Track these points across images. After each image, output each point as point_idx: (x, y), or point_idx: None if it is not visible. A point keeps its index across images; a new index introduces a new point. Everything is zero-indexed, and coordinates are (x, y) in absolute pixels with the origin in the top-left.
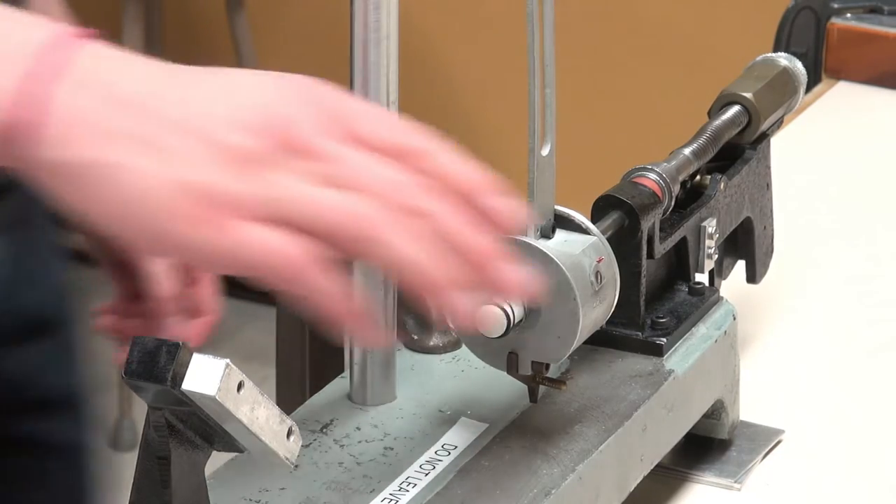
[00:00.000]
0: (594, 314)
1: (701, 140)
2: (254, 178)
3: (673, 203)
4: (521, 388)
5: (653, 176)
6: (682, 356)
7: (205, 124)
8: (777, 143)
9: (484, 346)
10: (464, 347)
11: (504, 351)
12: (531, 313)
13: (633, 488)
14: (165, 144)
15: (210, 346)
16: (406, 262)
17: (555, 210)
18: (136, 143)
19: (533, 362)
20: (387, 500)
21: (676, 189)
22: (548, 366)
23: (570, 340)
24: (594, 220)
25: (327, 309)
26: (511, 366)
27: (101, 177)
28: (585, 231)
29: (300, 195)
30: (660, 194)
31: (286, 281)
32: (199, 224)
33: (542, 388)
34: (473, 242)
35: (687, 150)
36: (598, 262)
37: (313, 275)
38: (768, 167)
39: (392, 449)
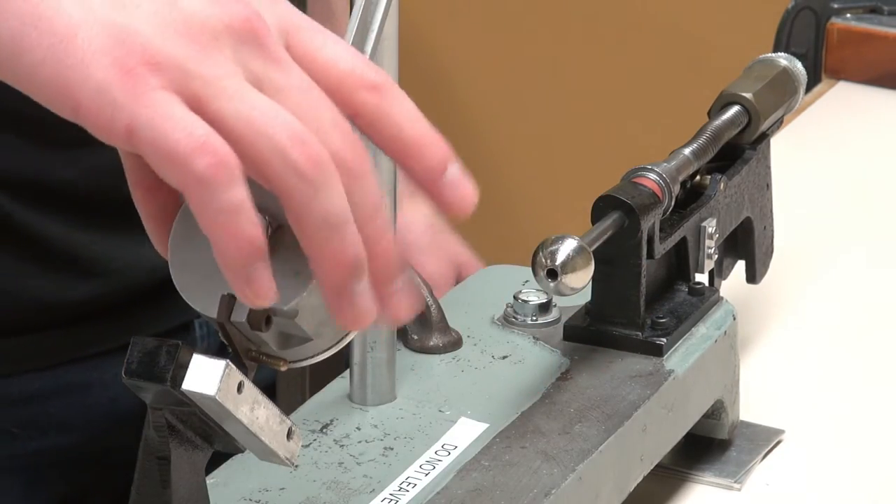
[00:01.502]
0: None
1: (701, 140)
2: (194, 48)
3: (673, 203)
4: (522, 388)
5: (653, 176)
6: (682, 356)
7: None
8: (777, 143)
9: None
10: (464, 347)
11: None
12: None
13: (633, 488)
14: None
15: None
16: (305, 209)
17: None
18: None
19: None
20: (387, 500)
21: (676, 189)
22: (269, 319)
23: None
24: (594, 220)
25: (218, 233)
26: (223, 310)
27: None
28: None
29: (234, 86)
30: (660, 194)
31: (182, 178)
32: (117, 72)
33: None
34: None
35: (687, 150)
36: None
37: (215, 182)
38: (768, 167)
39: (392, 449)
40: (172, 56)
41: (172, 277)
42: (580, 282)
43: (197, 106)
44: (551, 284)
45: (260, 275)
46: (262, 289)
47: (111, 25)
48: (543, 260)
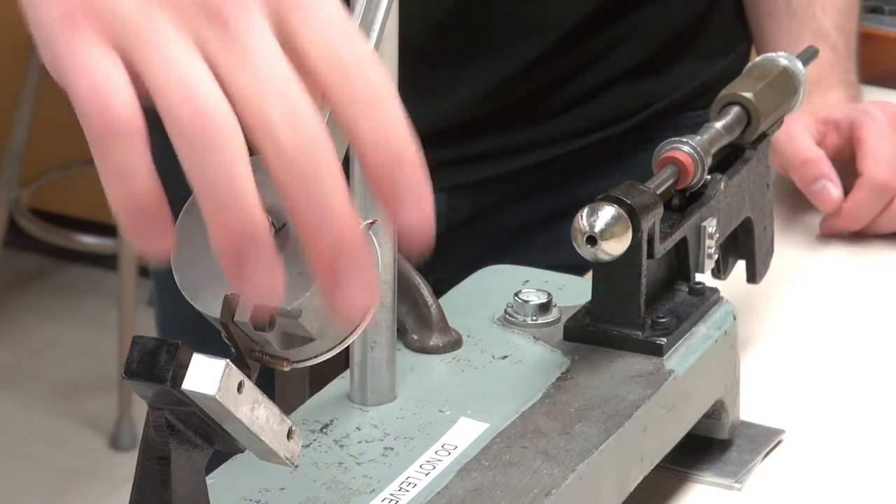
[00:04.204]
0: None
1: (730, 117)
2: (142, 6)
3: (705, 175)
4: (522, 388)
5: (686, 149)
6: (683, 356)
7: None
8: None
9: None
10: (464, 347)
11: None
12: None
13: (633, 488)
14: None
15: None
16: (209, 197)
17: None
18: None
19: (257, 307)
20: (387, 500)
21: (709, 161)
22: (272, 319)
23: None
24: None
25: (111, 191)
26: (226, 310)
27: None
28: None
29: (163, 46)
30: (692, 167)
31: (86, 130)
32: (59, 12)
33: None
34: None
35: (718, 124)
36: None
37: (105, 138)
38: (768, 167)
39: (392, 449)
40: (116, 9)
41: (175, 276)
42: (619, 248)
43: (128, 62)
44: (590, 250)
45: (255, 270)
46: (258, 284)
47: None
48: (583, 226)
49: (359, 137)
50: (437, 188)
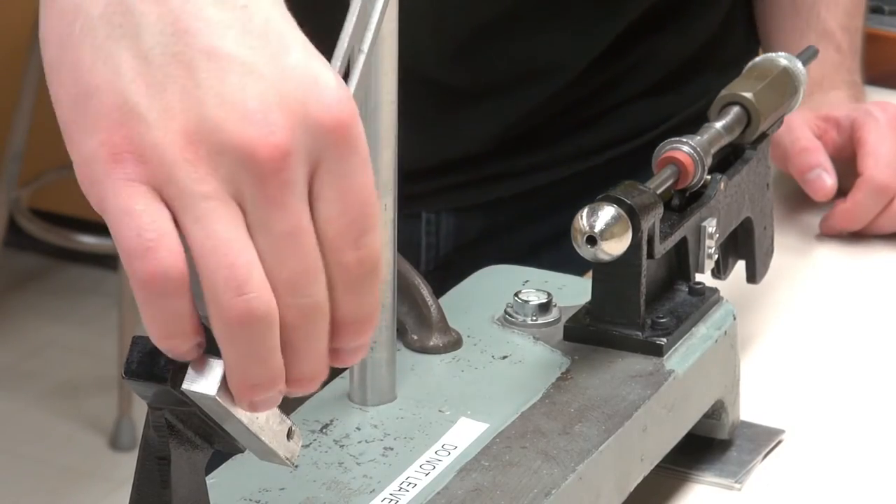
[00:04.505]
0: None
1: (729, 117)
2: (187, 156)
3: (705, 175)
4: (522, 388)
5: (686, 149)
6: (683, 356)
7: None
8: None
9: None
10: (464, 347)
11: None
12: None
13: (633, 488)
14: (160, 73)
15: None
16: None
17: None
18: (118, 26)
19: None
20: (387, 500)
21: (709, 161)
22: None
23: None
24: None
25: (152, 333)
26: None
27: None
28: None
29: (202, 208)
30: (692, 167)
31: (128, 272)
32: (105, 151)
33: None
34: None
35: (718, 125)
36: None
37: (148, 288)
38: (768, 167)
39: (392, 449)
40: (161, 156)
41: None
42: (619, 248)
43: (170, 209)
44: (590, 250)
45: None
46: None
47: (124, 101)
48: (583, 226)
49: (336, 311)
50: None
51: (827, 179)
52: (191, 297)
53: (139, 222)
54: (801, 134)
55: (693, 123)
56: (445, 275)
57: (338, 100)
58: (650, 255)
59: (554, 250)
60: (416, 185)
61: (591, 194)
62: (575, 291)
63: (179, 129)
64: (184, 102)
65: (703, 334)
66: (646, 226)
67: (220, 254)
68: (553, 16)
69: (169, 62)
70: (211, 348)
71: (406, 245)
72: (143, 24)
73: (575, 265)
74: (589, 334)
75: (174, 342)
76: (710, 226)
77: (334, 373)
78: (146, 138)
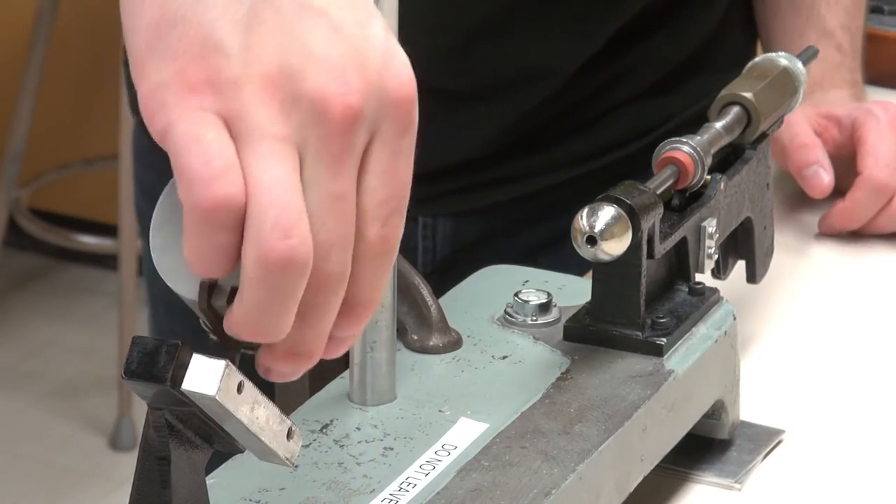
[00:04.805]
0: None
1: (729, 117)
2: (262, 96)
3: (705, 176)
4: (522, 388)
5: (686, 149)
6: (683, 356)
7: (310, 36)
8: None
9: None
10: (464, 347)
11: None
12: None
13: (633, 488)
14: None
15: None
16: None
17: None
18: None
19: (233, 288)
20: (387, 500)
21: (709, 161)
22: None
23: None
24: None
25: (193, 263)
26: (203, 295)
27: None
28: None
29: (268, 149)
30: (692, 167)
31: (185, 197)
32: (180, 80)
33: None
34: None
35: (718, 125)
36: None
37: (205, 217)
38: (768, 167)
39: (392, 449)
40: (238, 92)
41: (153, 260)
42: (619, 248)
43: (236, 140)
44: (590, 250)
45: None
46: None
47: (209, 34)
48: (583, 226)
49: (351, 288)
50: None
51: (824, 176)
52: (241, 233)
53: (209, 150)
54: (800, 130)
55: (691, 126)
56: (442, 279)
57: (410, 77)
58: (650, 255)
59: (551, 254)
60: (412, 189)
61: (589, 198)
62: (575, 291)
63: (260, 69)
64: (268, 46)
65: (703, 334)
66: (646, 226)
67: (275, 193)
68: (547, 17)
69: (260, 4)
70: (211, 349)
71: (402, 249)
72: None
73: (572, 269)
74: (589, 334)
75: (212, 271)
76: (710, 226)
77: (334, 373)
78: (225, 73)
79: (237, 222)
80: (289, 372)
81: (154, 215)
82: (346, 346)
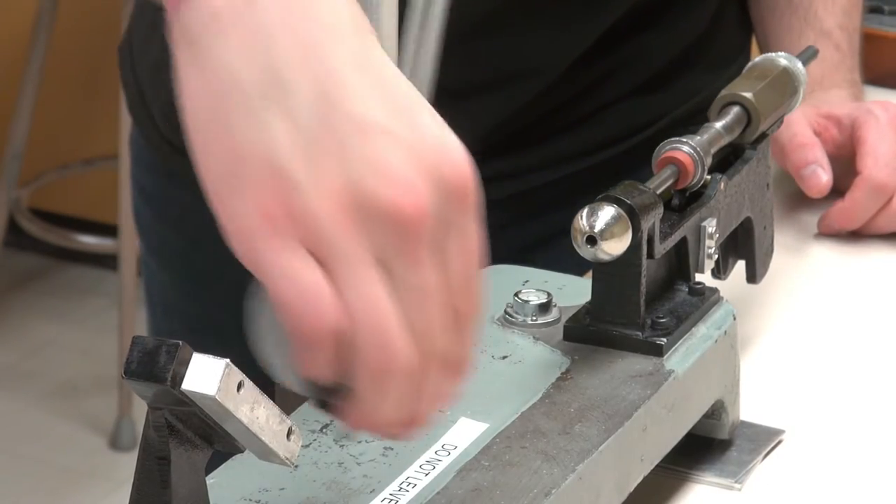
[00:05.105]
0: None
1: (729, 117)
2: (336, 219)
3: (705, 176)
4: (522, 388)
5: (686, 149)
6: (682, 356)
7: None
8: None
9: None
10: None
11: None
12: None
13: (633, 488)
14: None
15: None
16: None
17: None
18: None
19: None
20: (387, 500)
21: (709, 161)
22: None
23: None
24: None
25: (302, 367)
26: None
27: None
28: None
29: (351, 272)
30: (692, 167)
31: (289, 325)
32: (260, 213)
33: None
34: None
35: (718, 125)
36: None
37: (308, 342)
38: (768, 167)
39: (392, 449)
40: (315, 220)
41: (263, 359)
42: (619, 248)
43: (322, 265)
44: (590, 250)
45: None
46: None
47: (279, 168)
48: (583, 226)
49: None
50: None
51: (822, 176)
52: (346, 343)
53: (300, 283)
54: (799, 129)
55: (684, 123)
56: None
57: (464, 160)
58: (650, 255)
59: (546, 252)
60: None
61: (583, 196)
62: (575, 291)
63: (331, 194)
64: (335, 169)
65: (703, 334)
66: (646, 226)
67: (372, 316)
68: (538, 14)
69: (318, 130)
70: (211, 349)
71: None
72: (293, 92)
73: (567, 266)
74: (589, 334)
75: (323, 377)
76: (710, 226)
77: None
78: (300, 203)
79: (340, 339)
80: (405, 435)
81: (255, 322)
82: (450, 399)
